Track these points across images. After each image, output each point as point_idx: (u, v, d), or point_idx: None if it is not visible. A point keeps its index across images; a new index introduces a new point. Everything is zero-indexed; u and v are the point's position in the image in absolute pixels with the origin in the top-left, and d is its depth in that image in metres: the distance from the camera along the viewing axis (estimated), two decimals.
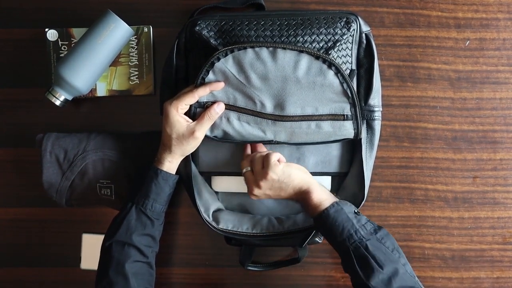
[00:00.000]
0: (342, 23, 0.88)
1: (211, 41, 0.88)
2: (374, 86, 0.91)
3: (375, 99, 0.92)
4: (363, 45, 0.91)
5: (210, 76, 0.87)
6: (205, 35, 0.88)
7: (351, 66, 0.91)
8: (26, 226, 1.02)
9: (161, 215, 0.91)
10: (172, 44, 0.92)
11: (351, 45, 0.90)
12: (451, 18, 1.01)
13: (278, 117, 0.89)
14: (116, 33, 0.93)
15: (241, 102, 0.89)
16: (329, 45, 0.87)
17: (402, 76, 1.01)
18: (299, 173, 0.89)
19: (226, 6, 0.97)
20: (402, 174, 1.01)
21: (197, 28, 0.89)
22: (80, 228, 1.01)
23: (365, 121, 0.93)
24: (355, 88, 0.89)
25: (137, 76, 1.00)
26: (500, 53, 1.01)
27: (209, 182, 0.98)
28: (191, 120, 0.89)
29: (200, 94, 0.88)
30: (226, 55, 0.86)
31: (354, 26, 0.89)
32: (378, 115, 0.93)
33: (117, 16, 0.93)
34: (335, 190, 0.96)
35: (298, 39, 0.87)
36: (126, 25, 0.94)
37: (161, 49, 1.00)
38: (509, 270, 1.02)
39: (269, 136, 0.91)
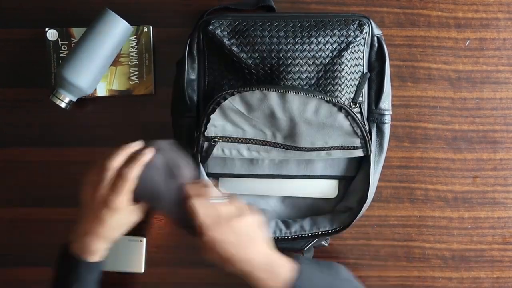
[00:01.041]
0: (355, 25, 0.88)
1: (225, 40, 0.88)
2: (385, 89, 0.91)
3: (386, 103, 0.93)
4: (375, 48, 0.91)
5: (217, 113, 0.86)
6: (219, 34, 0.88)
7: (363, 69, 0.91)
8: (26, 226, 1.02)
9: None
10: (184, 45, 0.91)
11: (363, 47, 0.90)
12: (451, 18, 1.01)
13: (290, 147, 0.89)
14: (115, 30, 0.93)
15: (250, 134, 0.89)
16: (342, 47, 0.88)
17: (402, 76, 1.01)
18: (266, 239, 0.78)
19: (237, 7, 0.97)
20: (402, 174, 1.01)
21: (211, 27, 0.89)
22: None
23: (375, 124, 0.93)
24: (366, 128, 0.88)
25: (137, 76, 1.00)
26: (500, 53, 1.01)
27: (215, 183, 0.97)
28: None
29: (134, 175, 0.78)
30: (233, 95, 0.85)
31: (366, 29, 0.89)
32: (388, 118, 0.93)
33: (115, 14, 0.93)
34: (342, 194, 0.96)
35: (312, 40, 0.87)
36: (125, 21, 0.94)
37: (161, 49, 1.00)
38: (509, 270, 1.02)
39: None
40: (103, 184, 0.78)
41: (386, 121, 0.93)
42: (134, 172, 0.78)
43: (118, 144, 1.00)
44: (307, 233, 0.93)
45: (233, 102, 0.85)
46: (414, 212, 1.01)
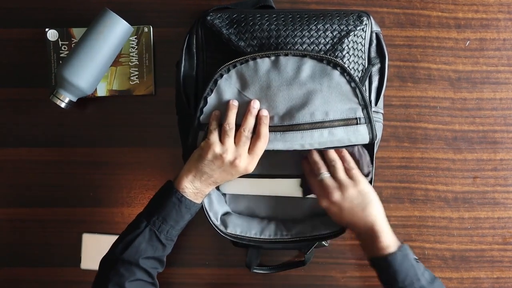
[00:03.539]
0: (355, 17, 0.87)
1: (223, 30, 0.87)
2: (384, 87, 0.90)
3: (381, 101, 0.92)
4: (374, 44, 0.90)
5: (213, 96, 0.85)
6: (217, 24, 0.87)
7: (365, 63, 0.89)
8: (26, 226, 1.02)
9: (174, 239, 0.86)
10: (183, 40, 0.90)
11: (363, 40, 0.88)
12: (451, 18, 1.01)
13: (287, 127, 0.85)
14: (115, 30, 0.93)
15: (241, 119, 0.86)
16: (342, 34, 0.86)
17: (402, 76, 1.01)
18: (378, 204, 0.86)
19: (236, 8, 0.97)
20: (402, 174, 1.01)
21: (209, 17, 0.88)
22: (80, 228, 1.01)
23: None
24: (365, 91, 0.86)
25: (137, 76, 1.00)
26: (500, 53, 1.01)
27: None
28: None
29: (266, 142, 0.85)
30: (229, 70, 0.84)
31: (366, 21, 0.88)
32: (381, 117, 0.92)
33: (115, 14, 0.93)
34: None
35: (311, 27, 0.85)
36: (125, 21, 0.94)
37: (161, 49, 1.00)
38: (509, 270, 1.02)
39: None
40: (243, 148, 0.84)
41: (380, 120, 0.92)
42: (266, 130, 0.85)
43: (118, 145, 1.01)
44: (307, 236, 0.93)
45: (231, 81, 0.85)
46: (414, 212, 1.01)
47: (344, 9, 0.89)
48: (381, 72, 0.90)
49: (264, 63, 0.84)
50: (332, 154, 0.88)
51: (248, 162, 0.84)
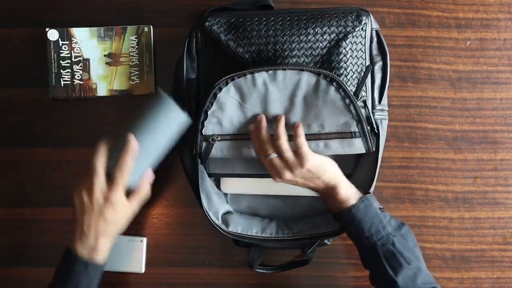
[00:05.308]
0: (353, 17, 0.87)
1: (222, 36, 0.87)
2: (387, 84, 0.91)
3: (386, 99, 0.92)
4: (374, 42, 0.90)
5: (214, 108, 0.86)
6: (215, 30, 0.88)
7: (365, 62, 0.89)
8: (26, 226, 1.02)
9: None
10: (182, 44, 0.91)
11: (363, 40, 0.89)
12: (451, 18, 1.01)
13: None
14: (174, 128, 0.85)
15: (246, 129, 0.88)
16: (340, 36, 0.86)
17: (403, 76, 1.01)
18: (333, 168, 0.88)
19: (235, 7, 0.97)
20: (402, 174, 1.01)
21: (207, 23, 0.88)
22: None
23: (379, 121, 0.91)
24: (358, 105, 0.86)
25: (137, 76, 1.00)
26: (501, 53, 1.01)
27: (217, 184, 0.97)
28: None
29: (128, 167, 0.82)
30: (227, 84, 0.85)
31: (365, 20, 0.88)
32: (387, 114, 0.92)
33: (176, 105, 0.85)
34: None
35: (308, 31, 0.86)
36: (184, 115, 0.86)
37: (162, 49, 1.00)
38: (510, 270, 1.02)
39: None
40: (98, 183, 0.81)
41: (386, 117, 0.92)
42: (128, 164, 0.81)
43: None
44: (308, 234, 0.93)
45: (229, 93, 0.85)
46: (414, 213, 1.01)
47: (343, 8, 0.89)
48: (383, 69, 0.91)
49: (262, 77, 0.85)
50: (280, 129, 0.85)
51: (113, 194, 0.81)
